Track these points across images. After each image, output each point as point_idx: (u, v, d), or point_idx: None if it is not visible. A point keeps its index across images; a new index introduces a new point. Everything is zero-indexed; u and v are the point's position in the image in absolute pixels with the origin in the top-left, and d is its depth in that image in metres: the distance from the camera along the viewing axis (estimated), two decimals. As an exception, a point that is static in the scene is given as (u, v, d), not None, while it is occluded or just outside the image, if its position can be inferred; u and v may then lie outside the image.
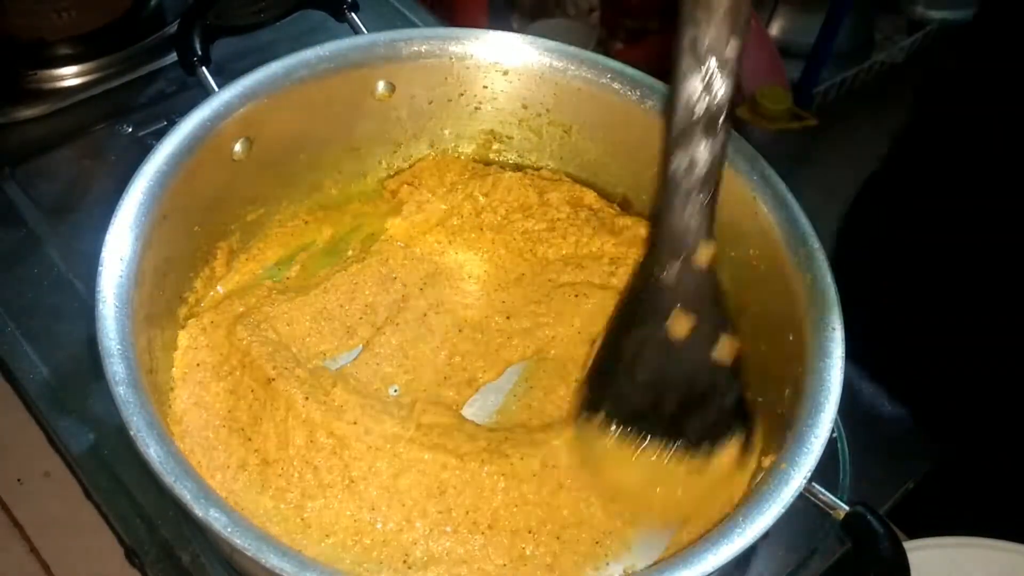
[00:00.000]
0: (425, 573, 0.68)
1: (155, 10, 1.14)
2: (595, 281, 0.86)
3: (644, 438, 0.67)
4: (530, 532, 0.70)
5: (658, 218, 0.65)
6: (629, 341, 0.69)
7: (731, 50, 0.60)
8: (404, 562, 0.68)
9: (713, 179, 0.63)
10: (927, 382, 1.08)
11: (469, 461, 0.71)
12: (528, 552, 0.70)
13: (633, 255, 0.87)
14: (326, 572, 0.56)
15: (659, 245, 0.66)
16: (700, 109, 0.61)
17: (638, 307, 0.68)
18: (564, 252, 0.89)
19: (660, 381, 0.67)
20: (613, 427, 0.68)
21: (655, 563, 0.63)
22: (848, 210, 1.29)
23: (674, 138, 0.63)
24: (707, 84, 0.61)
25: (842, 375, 0.67)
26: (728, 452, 0.67)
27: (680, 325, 0.65)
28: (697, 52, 0.60)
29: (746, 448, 0.68)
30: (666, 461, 0.67)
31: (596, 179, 0.92)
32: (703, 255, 0.64)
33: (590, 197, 0.91)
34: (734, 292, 0.81)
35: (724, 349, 0.66)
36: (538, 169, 0.93)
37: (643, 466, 0.68)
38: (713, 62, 0.60)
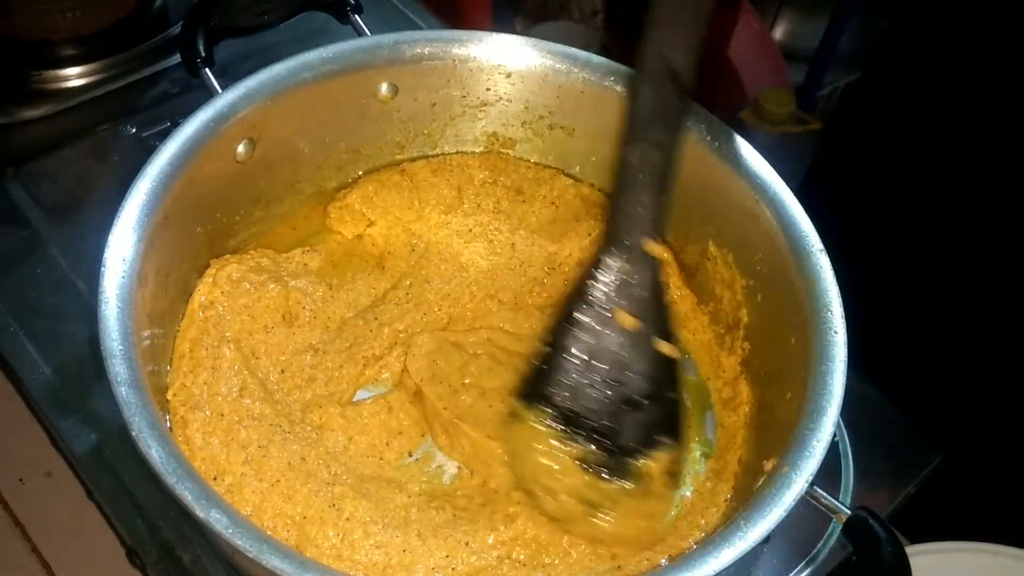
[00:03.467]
0: None
1: (159, 11, 1.15)
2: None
3: (574, 437, 0.67)
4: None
5: (610, 211, 0.66)
6: (568, 335, 0.69)
7: (688, 56, 0.63)
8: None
9: (666, 176, 0.65)
10: (929, 387, 1.08)
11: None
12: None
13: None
14: (326, 572, 0.56)
15: (607, 237, 0.66)
16: (657, 107, 0.63)
17: (581, 300, 0.68)
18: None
19: (594, 377, 0.68)
20: (547, 422, 0.68)
21: (657, 567, 0.63)
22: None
23: (631, 131, 0.64)
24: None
25: (844, 379, 0.66)
26: (655, 465, 0.66)
27: (622, 320, 0.65)
28: (659, 54, 0.63)
29: (673, 466, 0.67)
30: (592, 478, 0.67)
31: (598, 181, 0.92)
32: (651, 248, 0.65)
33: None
34: (736, 294, 0.82)
35: (663, 348, 0.66)
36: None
37: (573, 488, 0.68)
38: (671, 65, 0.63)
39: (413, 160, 0.93)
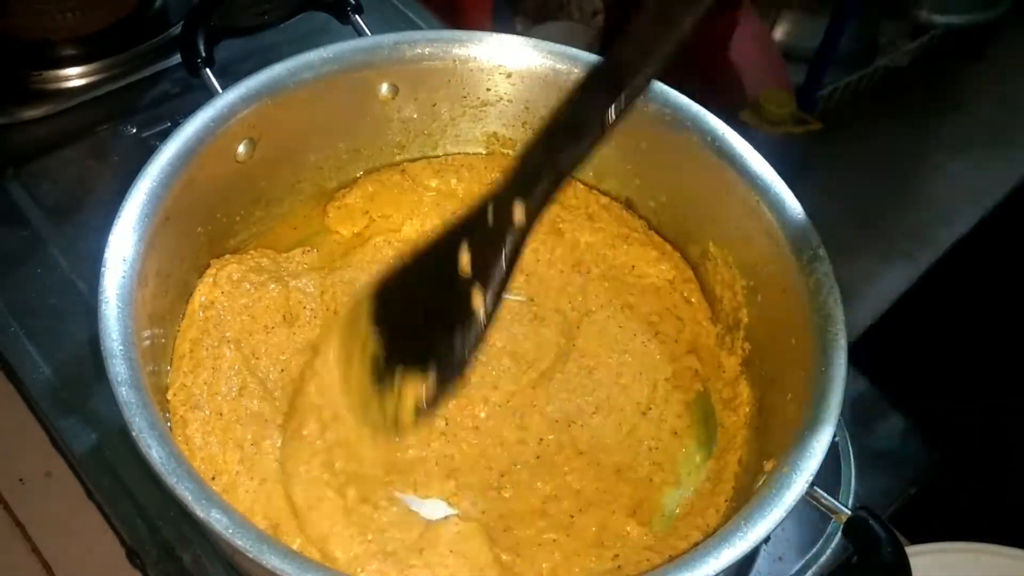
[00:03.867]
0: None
1: (159, 11, 1.15)
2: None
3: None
4: None
5: (516, 161, 0.66)
6: (418, 263, 0.70)
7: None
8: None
9: (575, 153, 0.64)
10: (929, 388, 1.08)
11: None
12: None
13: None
14: (326, 573, 0.56)
15: (504, 184, 0.66)
16: (603, 78, 0.64)
17: (453, 227, 0.69)
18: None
19: (420, 299, 0.70)
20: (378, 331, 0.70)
21: (657, 567, 0.63)
22: None
23: (577, 88, 0.64)
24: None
25: (844, 379, 0.66)
26: (416, 390, 0.67)
27: (463, 261, 0.66)
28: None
29: (432, 400, 0.68)
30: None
31: (599, 181, 0.92)
32: (516, 212, 0.64)
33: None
34: (736, 294, 0.82)
35: (476, 300, 0.66)
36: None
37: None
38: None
39: (414, 161, 0.93)
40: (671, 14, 0.60)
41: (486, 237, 0.65)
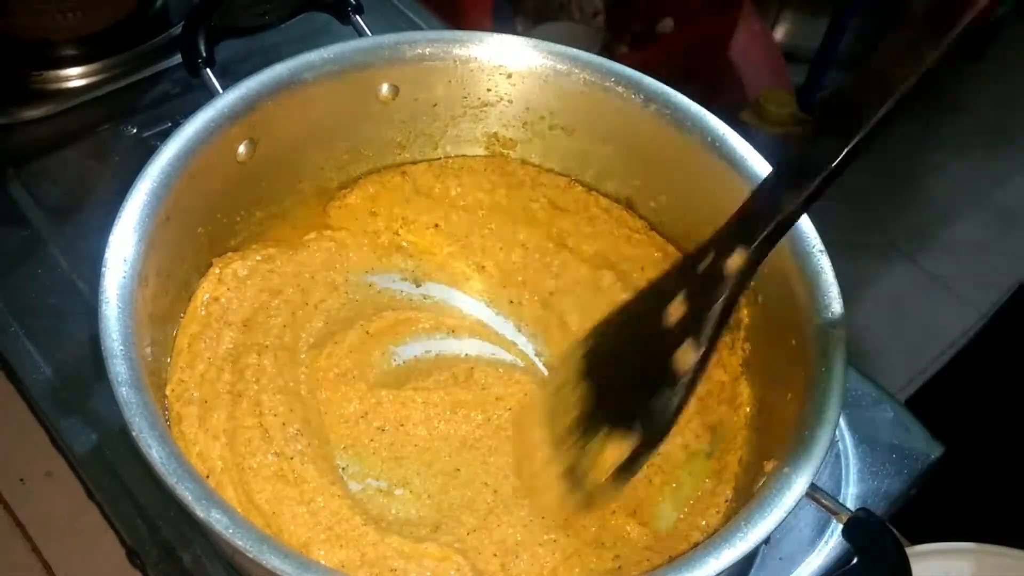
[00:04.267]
0: None
1: (160, 11, 1.15)
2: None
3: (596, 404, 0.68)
4: None
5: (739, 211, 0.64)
6: (629, 315, 0.70)
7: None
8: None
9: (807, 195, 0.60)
10: (931, 388, 1.08)
11: None
12: None
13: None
14: (327, 573, 0.56)
15: (727, 226, 0.64)
16: (838, 115, 0.60)
17: (673, 274, 0.68)
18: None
19: (630, 349, 0.68)
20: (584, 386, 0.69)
21: (657, 567, 0.63)
22: None
23: (812, 126, 0.62)
24: None
25: (844, 379, 0.66)
26: (618, 450, 0.66)
27: (673, 311, 0.64)
28: None
29: (631, 463, 0.66)
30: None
31: (600, 182, 0.92)
32: (733, 261, 0.62)
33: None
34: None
35: (687, 356, 0.64)
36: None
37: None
38: None
39: (415, 163, 0.93)
40: (919, 48, 0.55)
41: (699, 287, 0.62)
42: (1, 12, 1.07)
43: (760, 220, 0.60)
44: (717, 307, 0.62)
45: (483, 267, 0.90)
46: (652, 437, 0.65)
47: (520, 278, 0.89)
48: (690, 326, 0.63)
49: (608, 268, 0.87)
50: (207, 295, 0.78)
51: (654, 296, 0.66)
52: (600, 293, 0.86)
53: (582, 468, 0.67)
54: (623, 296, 0.84)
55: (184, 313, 0.77)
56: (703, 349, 0.63)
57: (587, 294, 0.87)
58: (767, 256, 0.61)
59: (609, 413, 0.67)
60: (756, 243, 0.60)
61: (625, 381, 0.68)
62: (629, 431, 0.65)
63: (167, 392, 0.72)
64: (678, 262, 0.65)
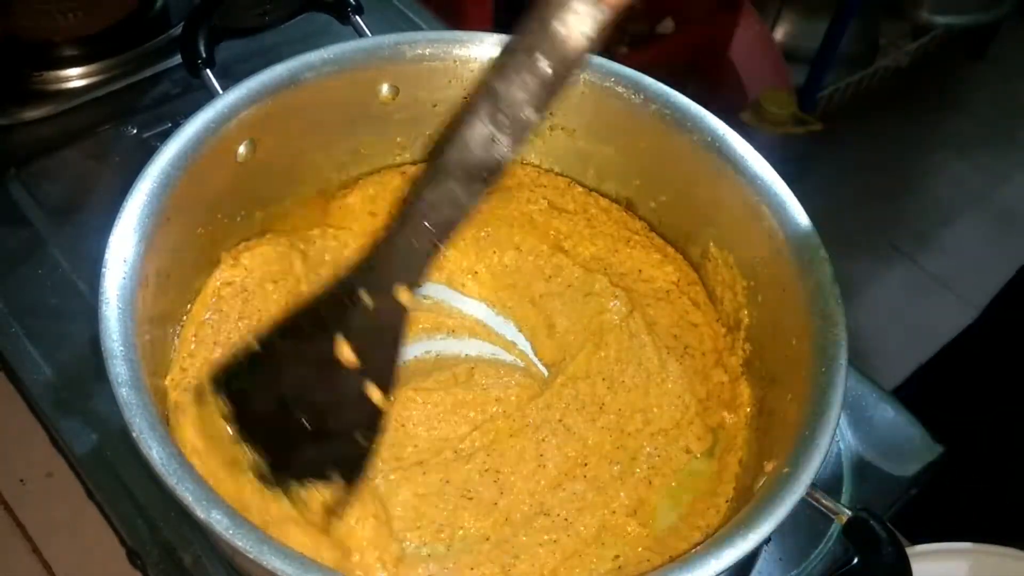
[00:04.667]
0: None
1: (160, 12, 1.15)
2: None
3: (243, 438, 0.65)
4: None
5: (383, 242, 0.64)
6: (290, 345, 0.67)
7: (528, 115, 0.59)
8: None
9: (449, 229, 0.62)
10: (931, 387, 1.08)
11: None
12: None
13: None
14: (328, 574, 0.56)
15: (370, 267, 0.63)
16: (476, 158, 0.60)
17: (314, 317, 0.66)
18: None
19: (299, 396, 0.65)
20: (231, 420, 0.66)
21: (657, 567, 0.63)
22: None
23: (436, 171, 0.61)
24: (493, 137, 0.60)
25: (844, 380, 0.66)
26: (322, 495, 0.64)
27: (340, 352, 0.63)
28: (497, 103, 0.59)
29: (336, 507, 0.64)
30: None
31: (600, 183, 0.92)
32: (402, 296, 0.63)
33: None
34: (737, 295, 0.82)
35: (373, 395, 0.64)
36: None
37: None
38: (506, 121, 0.59)
39: (415, 163, 0.93)
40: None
41: (367, 323, 0.62)
42: (2, 12, 1.07)
43: (417, 255, 0.63)
44: (394, 343, 0.63)
45: (476, 271, 0.90)
46: (354, 476, 0.64)
47: (511, 281, 0.89)
48: (369, 366, 0.63)
49: (602, 272, 0.88)
50: (218, 282, 0.78)
51: (310, 332, 0.64)
52: (591, 297, 0.86)
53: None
54: (614, 301, 0.85)
55: (186, 314, 0.77)
56: (388, 388, 0.63)
57: (577, 297, 0.87)
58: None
59: (295, 466, 0.64)
60: (417, 275, 0.63)
61: (298, 426, 0.65)
62: (325, 478, 0.64)
63: (167, 382, 0.72)
64: (324, 295, 0.65)
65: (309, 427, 0.65)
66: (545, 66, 0.58)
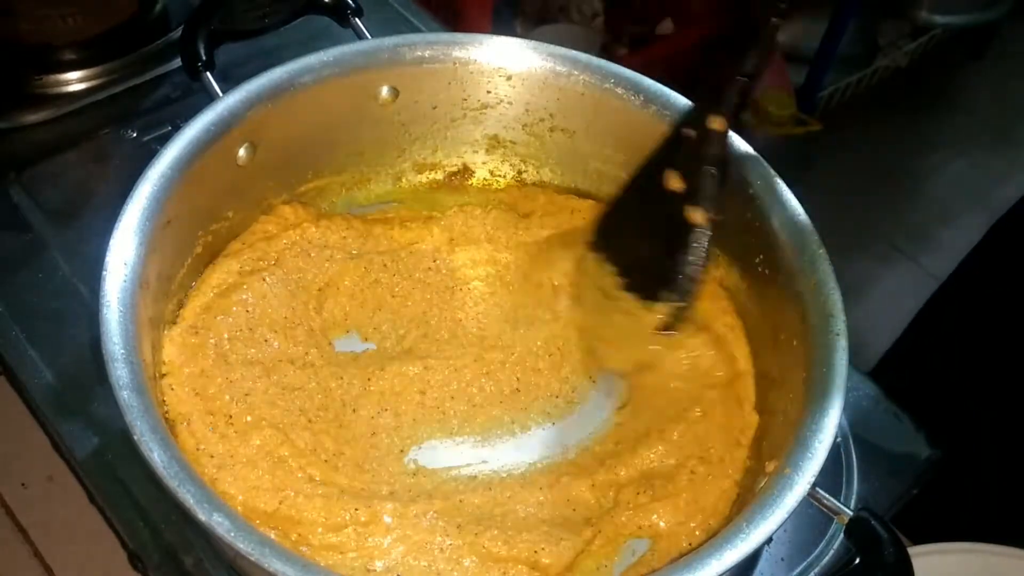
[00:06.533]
0: None
1: (160, 15, 1.15)
2: None
3: (627, 282, 0.75)
4: None
5: (699, 84, 0.73)
6: (635, 190, 0.77)
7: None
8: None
9: (761, 70, 0.69)
10: (931, 387, 1.08)
11: None
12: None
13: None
14: (327, 574, 0.56)
15: (694, 103, 0.73)
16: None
17: (652, 163, 0.75)
18: None
19: (646, 228, 0.75)
20: (610, 268, 0.77)
21: (661, 567, 0.63)
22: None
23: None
24: None
25: (845, 380, 0.66)
26: (663, 310, 0.72)
27: (673, 180, 0.71)
28: None
29: (677, 317, 0.73)
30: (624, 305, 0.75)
31: (600, 183, 0.92)
32: (715, 124, 0.69)
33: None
34: (738, 296, 0.82)
35: (698, 214, 0.70)
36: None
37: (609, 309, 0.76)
38: None
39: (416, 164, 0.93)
40: None
41: (691, 154, 0.70)
42: (3, 16, 1.07)
43: (724, 84, 0.69)
44: (712, 166, 0.70)
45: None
46: (687, 291, 0.72)
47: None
48: (692, 189, 0.71)
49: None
50: (220, 275, 0.78)
51: (649, 175, 0.73)
52: None
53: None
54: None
55: (197, 293, 0.78)
56: (710, 205, 0.70)
57: None
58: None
59: (636, 285, 0.75)
60: (727, 105, 0.70)
61: (643, 252, 0.75)
62: (658, 299, 0.72)
63: (164, 371, 0.72)
64: (664, 139, 0.73)
65: (648, 255, 0.75)
66: None
